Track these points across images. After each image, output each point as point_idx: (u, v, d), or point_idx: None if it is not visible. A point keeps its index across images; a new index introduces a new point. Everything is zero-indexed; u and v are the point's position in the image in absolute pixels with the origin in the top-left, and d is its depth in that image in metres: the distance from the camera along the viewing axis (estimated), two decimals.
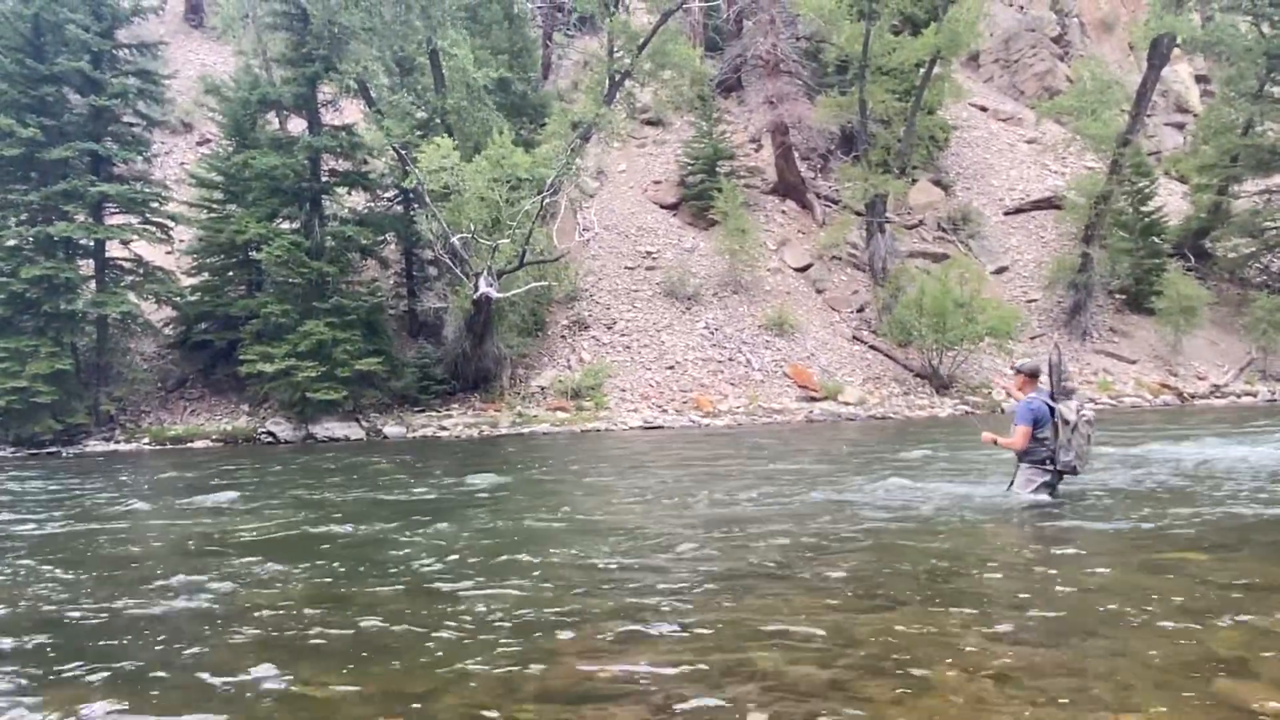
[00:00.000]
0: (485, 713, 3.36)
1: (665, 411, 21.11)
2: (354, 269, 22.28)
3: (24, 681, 3.87)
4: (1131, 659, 3.66)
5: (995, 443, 7.46)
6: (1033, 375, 7.50)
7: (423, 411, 20.92)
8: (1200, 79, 36.84)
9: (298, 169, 20.64)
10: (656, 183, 29.47)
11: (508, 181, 18.95)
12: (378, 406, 20.60)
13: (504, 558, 6.20)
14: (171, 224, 21.12)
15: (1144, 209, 27.36)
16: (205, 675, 3.88)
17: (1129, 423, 17.63)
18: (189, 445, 19.19)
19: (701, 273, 25.79)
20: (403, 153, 20.10)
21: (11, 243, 19.44)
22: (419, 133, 21.13)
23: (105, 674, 3.93)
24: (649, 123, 31.31)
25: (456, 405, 21.36)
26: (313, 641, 4.37)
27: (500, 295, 19.95)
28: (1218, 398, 24.04)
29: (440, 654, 4.05)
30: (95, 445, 19.10)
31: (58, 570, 6.24)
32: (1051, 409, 7.26)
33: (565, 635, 4.29)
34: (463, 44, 19.94)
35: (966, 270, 24.34)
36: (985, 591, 4.88)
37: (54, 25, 19.67)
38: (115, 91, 20.20)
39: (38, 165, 19.49)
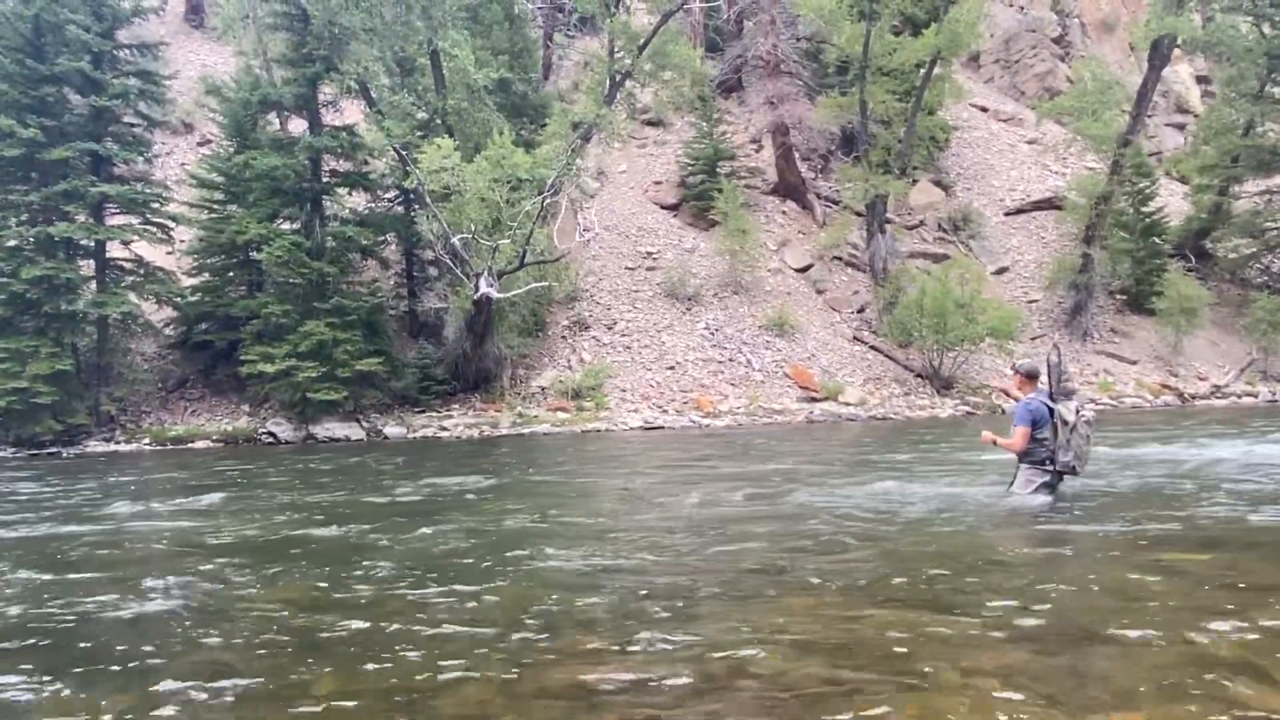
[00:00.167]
0: (483, 714, 3.36)
1: (666, 412, 21.11)
2: (354, 269, 22.28)
3: None
4: (1131, 659, 3.66)
5: (994, 442, 7.45)
6: (1031, 376, 7.49)
7: (423, 412, 20.92)
8: (1201, 79, 36.83)
9: (298, 169, 20.65)
10: (657, 183, 29.48)
11: (508, 182, 18.95)
12: (378, 407, 20.60)
13: (479, 559, 6.20)
14: (172, 224, 21.13)
15: (1145, 209, 27.34)
16: (178, 682, 3.88)
17: (1129, 423, 17.62)
18: (189, 446, 19.19)
19: (702, 273, 25.79)
20: (403, 153, 20.10)
21: (12, 243, 19.44)
22: (419, 133, 21.14)
23: (57, 677, 3.93)
24: (649, 123, 31.31)
25: (457, 406, 21.36)
26: (289, 646, 4.37)
27: (501, 295, 19.95)
28: (1218, 398, 24.02)
29: (416, 658, 4.05)
30: (96, 446, 19.10)
31: (29, 573, 6.20)
32: (1051, 409, 7.26)
33: (561, 636, 4.29)
34: (463, 44, 19.95)
35: (967, 271, 24.33)
36: (984, 592, 4.88)
37: (54, 26, 19.68)
38: (116, 92, 20.20)
39: (38, 166, 19.50)
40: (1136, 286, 26.77)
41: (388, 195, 23.91)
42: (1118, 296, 27.22)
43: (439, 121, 21.20)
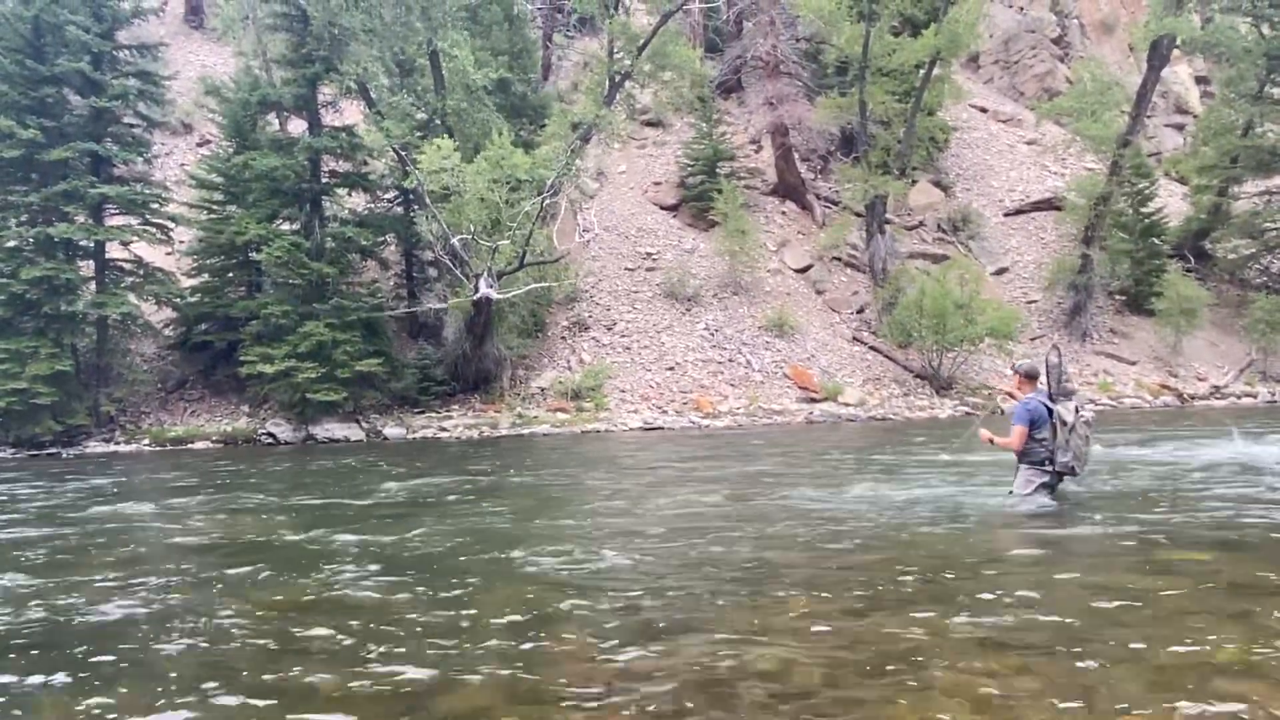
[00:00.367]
0: (482, 714, 3.36)
1: (665, 413, 21.11)
2: (354, 270, 22.27)
3: None
4: (1131, 660, 3.66)
5: (992, 442, 7.46)
6: (1031, 376, 7.50)
7: (423, 413, 20.92)
8: (1200, 80, 36.85)
9: (298, 170, 20.65)
10: (656, 184, 29.48)
11: (508, 183, 18.94)
12: (378, 407, 20.60)
13: (473, 559, 6.20)
14: (172, 225, 21.12)
15: (1144, 210, 27.35)
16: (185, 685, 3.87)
17: (1130, 423, 17.62)
18: (189, 446, 19.19)
19: (701, 274, 25.80)
20: (403, 154, 20.10)
21: (12, 244, 19.42)
22: (419, 134, 21.13)
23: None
24: (649, 124, 31.31)
25: (457, 406, 21.36)
26: (285, 647, 4.37)
27: (500, 296, 19.95)
28: (1218, 399, 24.02)
29: (413, 658, 4.05)
30: (95, 446, 19.09)
31: None
32: (1050, 410, 7.27)
33: (557, 636, 4.28)
34: (463, 45, 19.94)
35: (966, 271, 24.35)
36: (982, 592, 4.88)
37: (54, 26, 19.67)
38: (115, 93, 20.19)
39: (38, 166, 19.49)
40: (1136, 287, 26.78)
41: (387, 196, 23.90)
42: (1117, 297, 27.22)
43: (438, 122, 21.19)
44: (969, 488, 8.60)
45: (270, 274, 20.66)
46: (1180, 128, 35.42)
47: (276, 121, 22.70)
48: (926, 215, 29.54)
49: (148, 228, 20.58)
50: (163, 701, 3.60)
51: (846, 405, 21.90)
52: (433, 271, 23.53)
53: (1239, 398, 24.14)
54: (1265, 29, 27.05)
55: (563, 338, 23.87)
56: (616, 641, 4.14)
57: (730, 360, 23.36)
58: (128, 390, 20.50)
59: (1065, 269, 26.27)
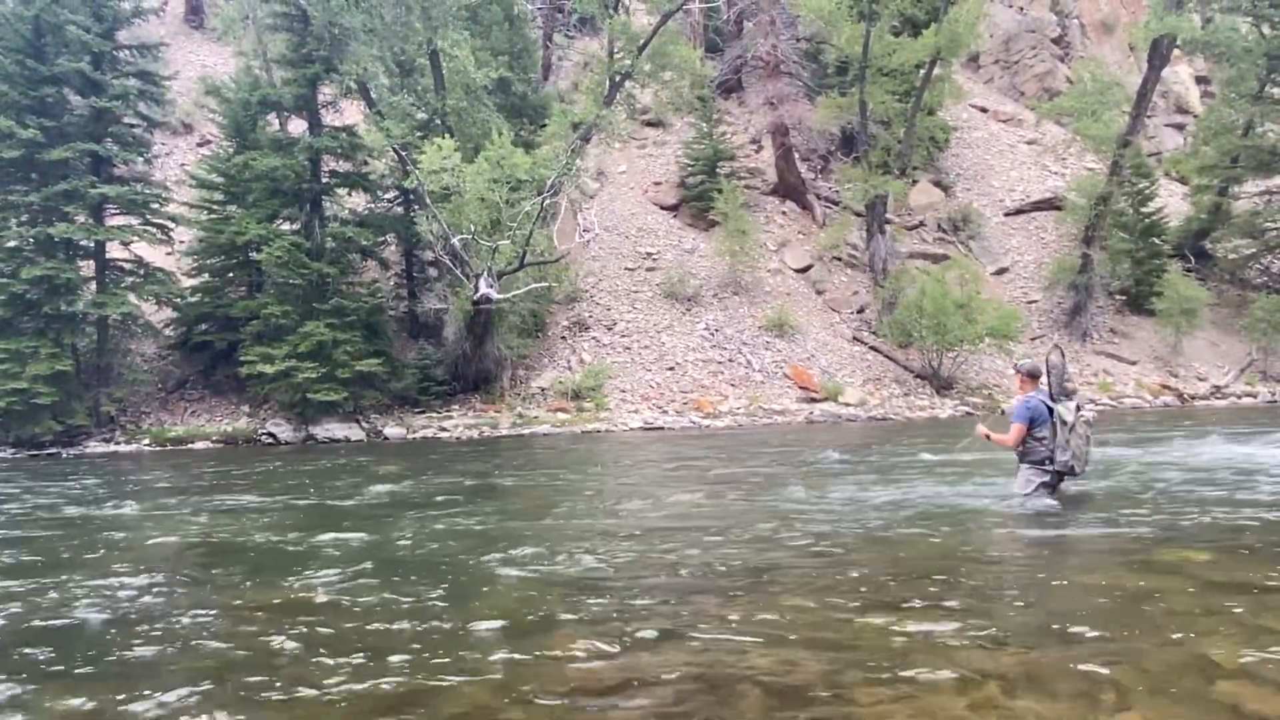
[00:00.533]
0: (482, 714, 3.36)
1: (666, 413, 21.10)
2: (354, 270, 22.28)
3: None
4: (1130, 661, 3.65)
5: (988, 437, 7.49)
6: (1032, 375, 7.51)
7: (423, 413, 20.92)
8: (1200, 80, 36.84)
9: (298, 170, 20.65)
10: (657, 184, 29.48)
11: (508, 182, 18.94)
12: (378, 407, 20.60)
13: (467, 560, 6.18)
14: (172, 225, 21.13)
15: (1144, 210, 27.35)
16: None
17: (1129, 424, 17.62)
18: (189, 446, 19.19)
19: (702, 274, 25.80)
20: (403, 154, 20.11)
21: (12, 244, 19.44)
22: (419, 134, 21.14)
23: None
24: (649, 124, 31.31)
25: (457, 406, 21.36)
26: (281, 648, 4.37)
27: (500, 296, 19.95)
28: (1218, 399, 24.02)
29: (411, 659, 4.04)
30: (96, 447, 19.10)
31: None
32: (1050, 409, 7.27)
33: (555, 637, 4.28)
34: (463, 45, 19.94)
35: (966, 271, 24.35)
36: (982, 592, 4.88)
37: (54, 26, 19.67)
38: (116, 93, 20.20)
39: (38, 166, 19.49)
40: (1136, 287, 26.77)
41: (387, 196, 23.91)
42: (1117, 297, 27.21)
43: (439, 122, 21.19)
44: (968, 488, 8.59)
45: (270, 274, 20.66)
46: (1180, 127, 35.41)
47: (277, 121, 22.70)
48: (927, 215, 29.54)
49: (148, 228, 20.59)
50: (162, 701, 3.60)
51: (847, 405, 21.90)
52: (433, 271, 23.53)
53: (1239, 398, 24.13)
54: (1265, 29, 27.05)
55: (563, 338, 23.87)
56: (612, 642, 4.14)
57: (730, 360, 23.36)
58: (128, 390, 20.51)
59: (1065, 269, 26.26)
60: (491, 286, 19.54)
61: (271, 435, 19.61)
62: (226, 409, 21.04)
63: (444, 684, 3.66)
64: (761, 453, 14.07)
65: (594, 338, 23.77)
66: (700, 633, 4.24)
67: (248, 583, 5.77)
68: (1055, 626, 4.18)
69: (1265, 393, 24.45)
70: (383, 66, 21.17)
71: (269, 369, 18.98)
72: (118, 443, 19.42)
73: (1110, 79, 26.83)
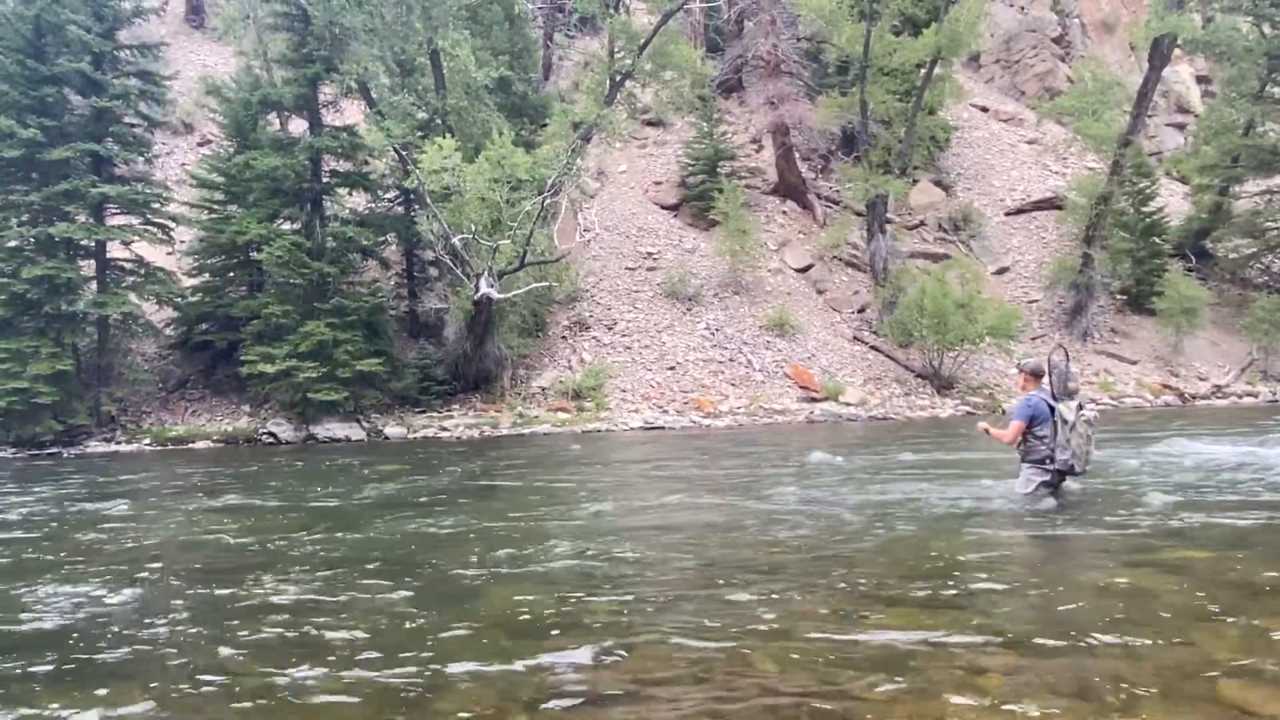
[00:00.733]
0: (482, 714, 3.36)
1: (666, 412, 21.10)
2: (355, 270, 22.29)
3: None
4: (1132, 661, 3.65)
5: (987, 432, 7.53)
6: (1035, 374, 7.53)
7: (424, 412, 20.92)
8: (1201, 79, 36.82)
9: (299, 170, 20.65)
10: (657, 183, 29.47)
11: (508, 182, 18.94)
12: (379, 407, 20.60)
13: (463, 560, 6.18)
14: (172, 225, 21.13)
15: (1145, 209, 27.32)
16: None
17: (1129, 424, 17.61)
18: (190, 446, 19.19)
19: (702, 273, 25.79)
20: (403, 153, 20.11)
21: (13, 243, 19.45)
22: (420, 133, 21.14)
23: None
24: (650, 123, 31.30)
25: (457, 406, 21.36)
26: (279, 649, 4.36)
27: (501, 296, 19.95)
28: (1219, 398, 24.00)
29: (410, 659, 4.04)
30: (96, 446, 19.10)
31: None
32: (1051, 408, 7.28)
33: (554, 637, 4.28)
34: (464, 44, 19.93)
35: (967, 271, 24.32)
36: (981, 592, 4.88)
37: (55, 26, 19.69)
38: (116, 92, 20.20)
39: (39, 166, 19.51)
40: (1137, 286, 26.75)
41: (388, 195, 23.91)
42: (1118, 296, 27.19)
43: (439, 121, 21.19)
44: (967, 488, 8.58)
45: (271, 274, 20.66)
46: (1181, 127, 35.39)
47: (277, 121, 22.71)
48: (927, 214, 29.52)
49: (149, 227, 20.60)
50: (161, 700, 3.59)
51: (847, 405, 21.89)
52: (433, 271, 23.53)
53: (1240, 397, 24.11)
54: (1266, 28, 27.03)
55: (563, 337, 23.87)
56: (611, 643, 4.14)
57: (731, 360, 23.35)
58: (129, 390, 20.51)
59: (1066, 268, 26.24)
60: (492, 286, 19.55)
61: (272, 435, 19.61)
62: (227, 409, 21.05)
63: (438, 685, 3.66)
64: (762, 452, 14.06)
65: (594, 337, 23.77)
66: (700, 632, 4.23)
67: (227, 584, 5.74)
68: (1057, 625, 4.17)
69: (1266, 392, 24.43)
70: (383, 66, 21.17)
71: (269, 369, 18.98)
72: (118, 442, 19.42)
73: (1111, 78, 26.82)
